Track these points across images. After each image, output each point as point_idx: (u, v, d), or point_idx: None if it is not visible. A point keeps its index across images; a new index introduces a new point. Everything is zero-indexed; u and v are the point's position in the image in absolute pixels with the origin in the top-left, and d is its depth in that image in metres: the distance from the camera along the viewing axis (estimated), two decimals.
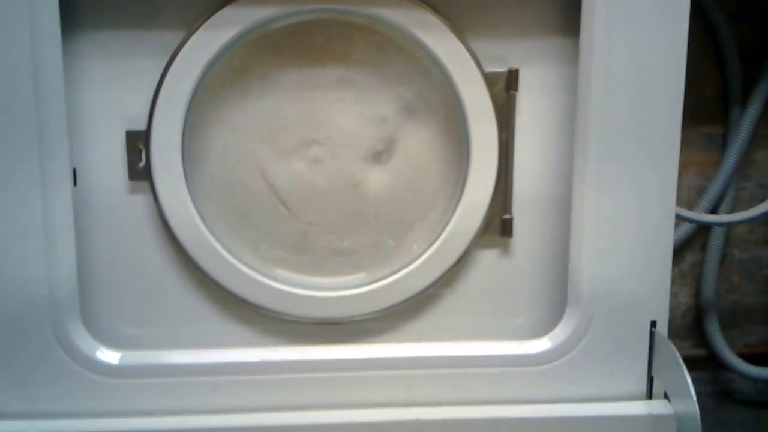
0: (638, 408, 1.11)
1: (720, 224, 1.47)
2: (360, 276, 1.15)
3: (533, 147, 1.10)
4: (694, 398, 1.02)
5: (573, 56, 1.05)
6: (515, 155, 1.10)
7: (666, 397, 1.12)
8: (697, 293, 1.55)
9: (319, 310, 1.12)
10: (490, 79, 1.07)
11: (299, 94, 1.09)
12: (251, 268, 1.11)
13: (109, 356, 1.08)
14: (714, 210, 1.48)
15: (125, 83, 1.06)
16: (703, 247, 1.53)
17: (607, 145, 1.04)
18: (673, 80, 1.04)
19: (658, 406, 1.11)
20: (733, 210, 1.49)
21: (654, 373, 1.12)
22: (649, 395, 1.13)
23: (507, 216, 1.12)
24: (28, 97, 0.99)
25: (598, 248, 1.07)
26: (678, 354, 1.05)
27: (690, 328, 1.57)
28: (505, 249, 1.14)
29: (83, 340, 1.07)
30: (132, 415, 1.08)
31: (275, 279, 1.12)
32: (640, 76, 1.03)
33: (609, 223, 1.07)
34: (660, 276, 1.09)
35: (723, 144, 1.48)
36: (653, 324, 1.10)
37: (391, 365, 1.11)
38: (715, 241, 1.51)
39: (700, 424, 1.01)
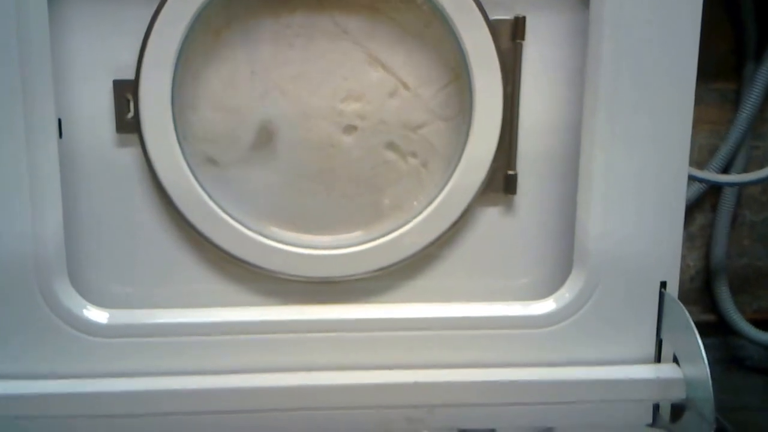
0: (646, 372, 1.09)
1: (732, 184, 1.44)
2: (357, 234, 1.12)
3: (540, 99, 1.07)
4: (705, 361, 1.00)
5: (583, 3, 1.02)
6: (521, 108, 1.07)
7: (675, 360, 1.10)
8: (707, 256, 1.53)
9: (315, 269, 1.09)
10: (495, 26, 1.03)
11: (293, 42, 1.05)
12: (244, 224, 1.08)
13: (98, 315, 1.06)
14: (725, 170, 1.46)
15: (113, 30, 1.02)
16: (714, 209, 1.51)
17: (618, 97, 1.02)
18: (689, 30, 1.01)
19: (666, 370, 1.09)
20: (745, 170, 1.46)
21: (663, 335, 1.10)
22: (658, 359, 1.11)
23: (511, 172, 1.08)
24: (12, 44, 0.96)
25: (607, 206, 1.05)
26: (689, 316, 1.04)
27: (699, 292, 1.55)
28: (509, 206, 1.11)
29: (70, 299, 1.05)
30: (121, 376, 1.05)
31: (269, 236, 1.09)
32: (653, 26, 1.00)
33: (618, 180, 1.04)
34: (671, 235, 1.07)
35: (736, 101, 1.45)
36: (663, 285, 1.08)
37: (389, 326, 1.09)
38: (727, 202, 1.49)
39: (710, 388, 1.00)
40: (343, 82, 1.06)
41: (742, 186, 1.48)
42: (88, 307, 1.05)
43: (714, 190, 1.50)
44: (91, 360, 1.05)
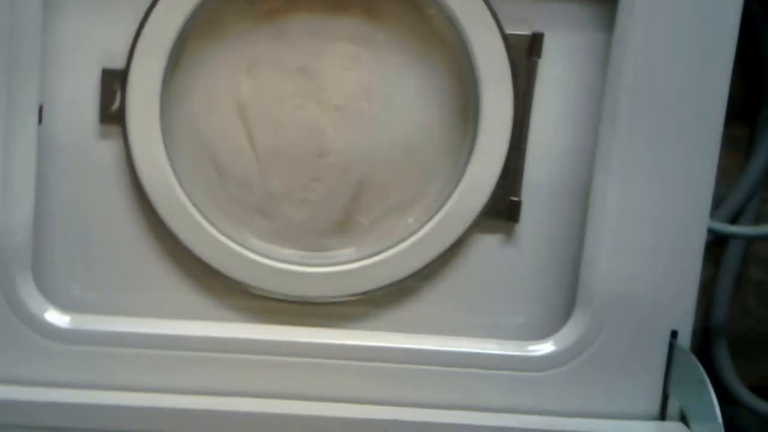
0: (649, 429, 1.03)
1: (742, 236, 1.39)
2: (337, 253, 1.06)
3: (552, 122, 1.02)
4: (720, 421, 0.93)
5: (607, 23, 0.97)
6: (531, 129, 1.01)
7: (682, 419, 1.04)
8: (707, 315, 1.46)
9: (291, 287, 1.03)
10: (510, 41, 0.98)
11: (293, 44, 1.01)
12: (224, 234, 1.02)
13: (58, 318, 0.99)
14: (732, 223, 1.39)
15: (106, 14, 0.97)
16: (717, 264, 1.44)
17: (638, 126, 0.97)
18: (722, 59, 0.97)
19: (672, 428, 1.03)
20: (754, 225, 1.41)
21: (670, 390, 1.03)
22: (663, 416, 1.05)
23: (515, 198, 1.03)
24: (2, 20, 0.91)
25: (617, 243, 0.99)
26: (703, 371, 0.98)
27: (696, 353, 1.46)
28: (510, 236, 1.05)
29: (31, 297, 0.98)
30: (80, 387, 0.99)
31: (248, 248, 1.03)
32: (683, 51, 0.96)
33: (632, 216, 0.99)
34: (686, 280, 1.02)
35: (747, 148, 1.40)
36: (674, 334, 1.03)
37: (370, 356, 1.02)
38: (732, 257, 1.43)
39: None
40: (336, 89, 1.03)
41: (750, 240, 1.42)
42: (50, 308, 0.99)
43: (719, 243, 1.43)
44: (49, 367, 0.99)
